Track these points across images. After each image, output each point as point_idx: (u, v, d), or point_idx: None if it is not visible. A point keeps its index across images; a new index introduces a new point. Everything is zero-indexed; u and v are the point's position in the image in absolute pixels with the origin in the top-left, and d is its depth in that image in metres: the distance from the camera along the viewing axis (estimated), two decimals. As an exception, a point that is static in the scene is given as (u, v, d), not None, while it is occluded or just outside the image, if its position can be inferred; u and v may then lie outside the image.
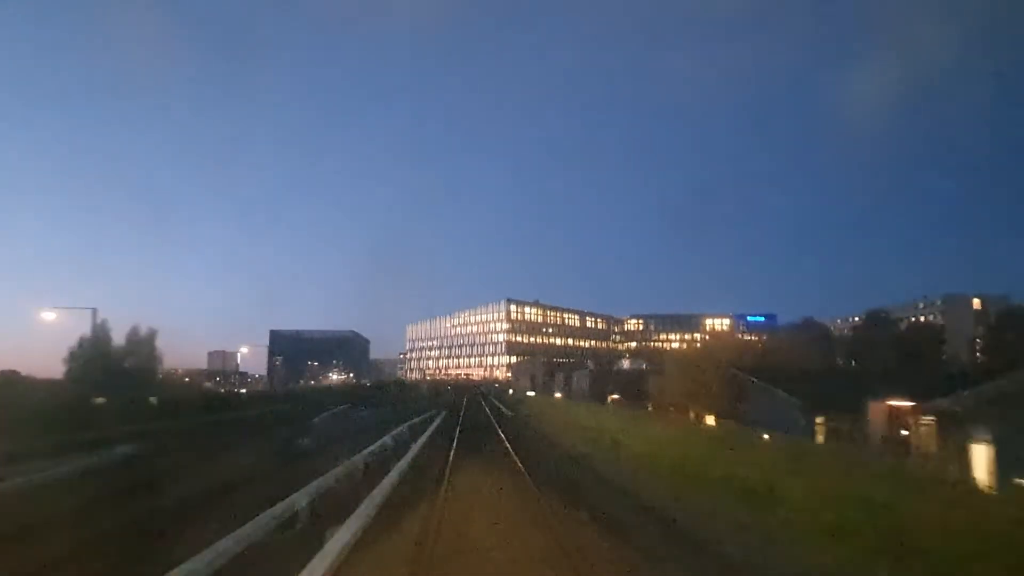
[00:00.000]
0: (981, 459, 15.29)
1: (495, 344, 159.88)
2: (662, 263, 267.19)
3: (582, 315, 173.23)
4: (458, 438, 25.51)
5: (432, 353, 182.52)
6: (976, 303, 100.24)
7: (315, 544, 7.32)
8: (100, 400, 25.37)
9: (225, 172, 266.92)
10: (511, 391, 78.99)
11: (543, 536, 9.34)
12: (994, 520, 7.91)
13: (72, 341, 34.48)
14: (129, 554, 7.83)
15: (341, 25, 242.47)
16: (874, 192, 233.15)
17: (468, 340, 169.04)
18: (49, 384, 30.95)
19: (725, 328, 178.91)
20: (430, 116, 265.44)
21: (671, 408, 32.97)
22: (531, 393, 75.91)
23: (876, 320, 61.69)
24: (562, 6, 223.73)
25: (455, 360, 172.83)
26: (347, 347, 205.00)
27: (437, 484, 14.09)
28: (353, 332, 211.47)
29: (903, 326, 68.96)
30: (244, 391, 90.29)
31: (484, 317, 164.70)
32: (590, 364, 73.57)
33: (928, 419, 18.30)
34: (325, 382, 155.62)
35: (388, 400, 58.38)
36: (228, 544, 6.42)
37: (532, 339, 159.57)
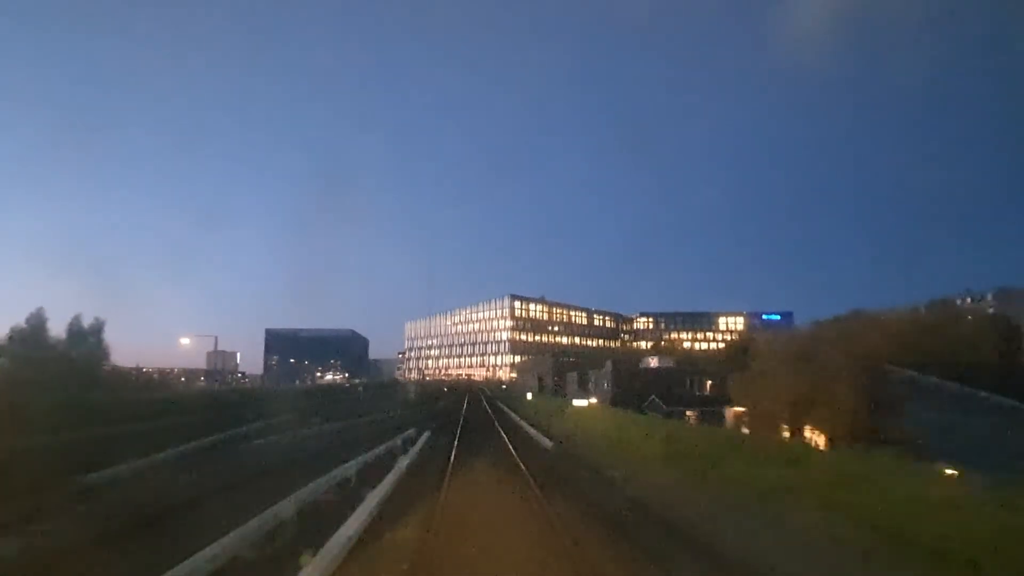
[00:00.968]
0: None
1: (498, 343, 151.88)
2: (670, 259, 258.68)
3: (589, 313, 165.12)
4: None
5: (432, 352, 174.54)
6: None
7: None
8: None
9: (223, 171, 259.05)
10: (528, 395, 66.30)
11: None
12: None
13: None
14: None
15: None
16: (890, 189, 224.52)
17: (469, 339, 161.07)
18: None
19: (739, 327, 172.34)
20: (428, 105, 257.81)
21: (779, 425, 23.30)
22: (573, 402, 51.03)
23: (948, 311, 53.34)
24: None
25: (455, 360, 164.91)
26: (345, 346, 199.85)
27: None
28: (351, 331, 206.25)
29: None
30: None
31: (486, 314, 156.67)
32: (609, 363, 65.08)
33: None
34: (321, 382, 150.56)
35: (355, 408, 41.21)
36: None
37: (537, 337, 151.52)
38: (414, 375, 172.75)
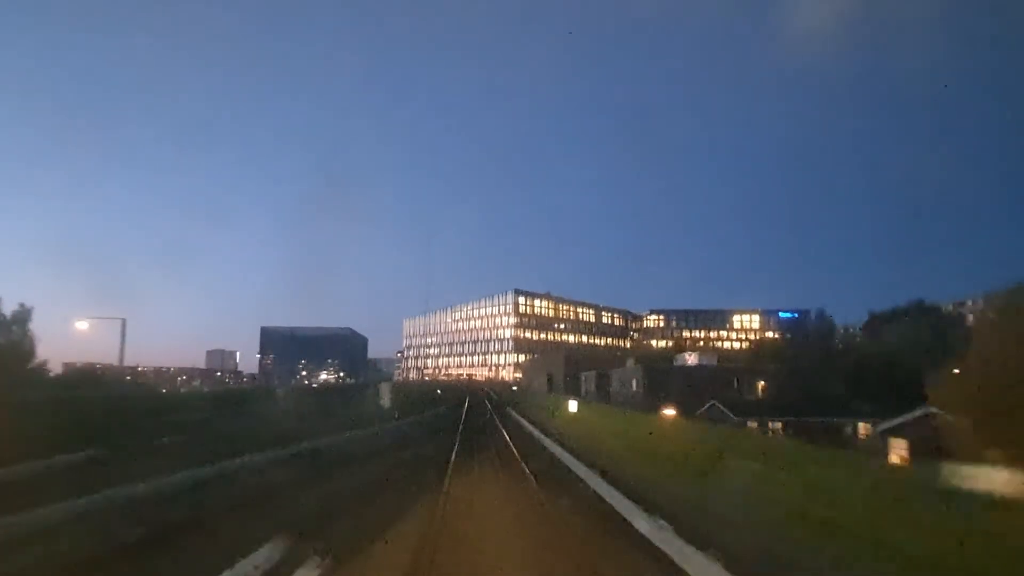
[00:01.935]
0: None
1: (501, 341, 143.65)
2: (677, 256, 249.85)
3: (597, 309, 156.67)
4: None
5: (431, 351, 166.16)
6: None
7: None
8: None
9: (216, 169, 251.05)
10: (572, 405, 39.44)
11: None
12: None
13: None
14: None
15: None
16: (906, 186, 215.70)
17: (471, 336, 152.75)
18: None
19: (755, 325, 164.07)
20: (429, 100, 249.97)
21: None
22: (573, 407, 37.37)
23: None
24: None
25: (456, 359, 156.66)
26: (343, 345, 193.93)
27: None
28: (350, 329, 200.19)
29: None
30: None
31: (489, 311, 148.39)
32: (631, 361, 56.87)
33: None
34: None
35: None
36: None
37: (542, 335, 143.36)
38: (413, 375, 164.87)
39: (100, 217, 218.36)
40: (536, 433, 27.86)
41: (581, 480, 14.42)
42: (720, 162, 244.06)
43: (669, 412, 31.34)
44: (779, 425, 27.10)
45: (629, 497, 11.13)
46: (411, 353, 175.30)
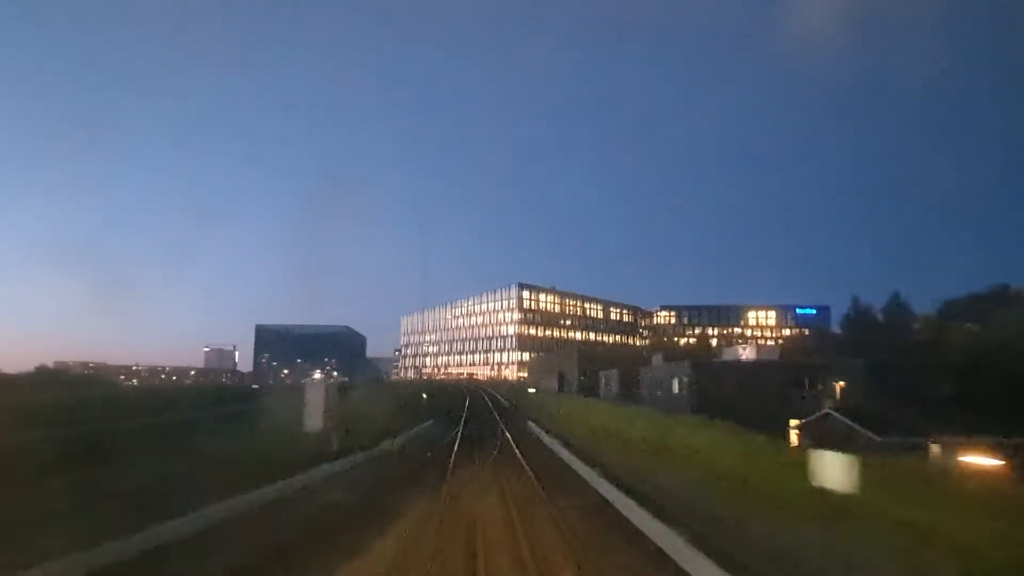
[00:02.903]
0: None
1: (504, 338, 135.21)
2: (686, 250, 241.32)
3: (606, 305, 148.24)
4: None
5: (430, 349, 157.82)
6: None
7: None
8: None
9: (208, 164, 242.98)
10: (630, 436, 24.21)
11: None
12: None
13: None
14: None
15: None
16: (926, 180, 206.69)
17: (472, 333, 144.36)
18: None
19: (771, 322, 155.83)
20: (430, 97, 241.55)
21: None
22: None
23: None
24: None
25: (456, 357, 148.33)
26: (340, 344, 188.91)
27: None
28: (347, 328, 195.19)
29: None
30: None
31: (491, 306, 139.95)
32: (658, 357, 48.56)
33: None
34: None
35: None
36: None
37: (547, 332, 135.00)
38: (411, 375, 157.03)
39: (99, 217, 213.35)
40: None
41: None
42: (729, 155, 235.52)
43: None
44: (1000, 463, 15.99)
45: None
46: (409, 352, 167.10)
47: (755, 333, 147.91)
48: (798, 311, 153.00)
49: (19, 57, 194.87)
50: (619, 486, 13.50)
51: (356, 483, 15.79)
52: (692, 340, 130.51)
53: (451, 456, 21.06)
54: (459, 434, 28.15)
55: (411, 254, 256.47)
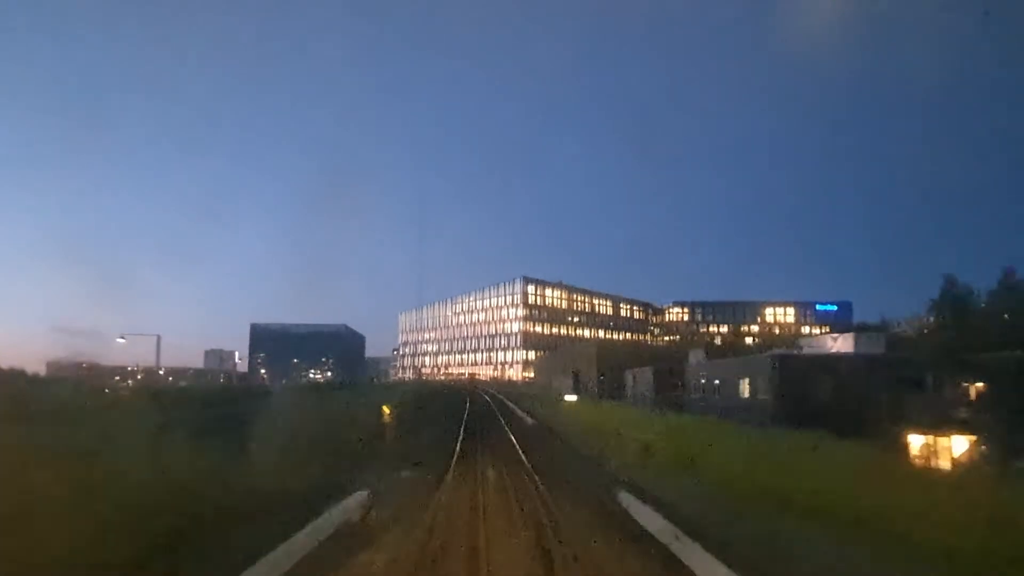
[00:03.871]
0: None
1: (508, 335, 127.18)
2: (696, 244, 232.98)
3: (616, 301, 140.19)
4: None
5: (430, 348, 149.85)
6: None
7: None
8: None
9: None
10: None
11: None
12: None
13: None
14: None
15: None
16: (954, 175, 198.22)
17: (473, 331, 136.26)
18: None
19: (789, 319, 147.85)
20: (432, 95, 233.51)
21: None
22: None
23: None
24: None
25: (457, 356, 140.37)
26: (338, 343, 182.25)
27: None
28: (345, 327, 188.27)
29: None
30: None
31: (494, 302, 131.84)
32: (699, 354, 40.53)
33: None
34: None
35: None
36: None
37: (554, 329, 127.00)
38: (409, 374, 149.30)
39: (95, 216, 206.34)
40: None
41: None
42: (738, 148, 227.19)
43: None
44: None
45: None
46: (407, 351, 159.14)
47: (773, 331, 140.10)
48: (818, 307, 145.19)
49: (19, 57, 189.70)
50: None
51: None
52: (718, 336, 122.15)
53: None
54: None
55: (412, 251, 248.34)
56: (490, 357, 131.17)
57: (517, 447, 20.15)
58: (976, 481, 11.12)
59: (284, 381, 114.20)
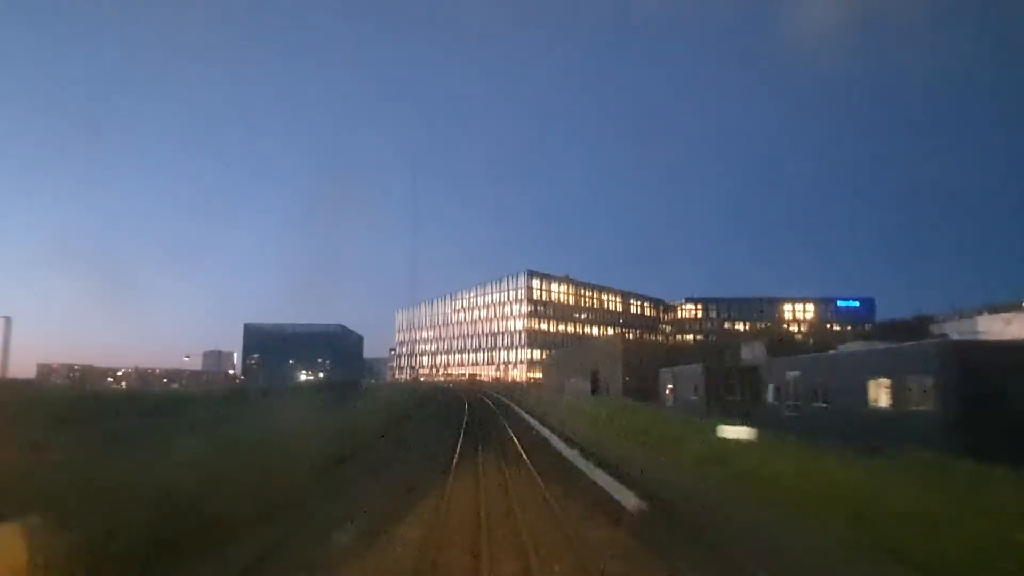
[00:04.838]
0: None
1: (511, 333, 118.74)
2: (709, 237, 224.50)
3: (625, 297, 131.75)
4: None
5: (428, 347, 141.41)
6: None
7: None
8: None
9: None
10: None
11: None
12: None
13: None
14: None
15: None
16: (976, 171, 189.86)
17: (475, 329, 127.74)
18: None
19: (809, 316, 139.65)
20: (433, 94, 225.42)
21: None
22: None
23: None
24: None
25: (457, 355, 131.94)
26: (335, 343, 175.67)
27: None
28: (341, 326, 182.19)
29: None
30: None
31: (497, 297, 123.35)
32: (758, 348, 32.22)
33: None
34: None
35: None
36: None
37: (561, 327, 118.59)
38: (407, 375, 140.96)
39: (95, 218, 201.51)
40: None
41: None
42: (745, 142, 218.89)
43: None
44: None
45: None
46: (404, 350, 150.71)
47: (791, 328, 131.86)
48: (839, 303, 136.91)
49: (22, 58, 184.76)
50: None
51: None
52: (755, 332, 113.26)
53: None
54: None
55: (413, 249, 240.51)
56: (492, 356, 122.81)
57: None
58: None
59: (264, 381, 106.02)
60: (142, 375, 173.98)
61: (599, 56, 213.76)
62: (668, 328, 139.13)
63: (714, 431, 16.78)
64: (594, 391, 51.81)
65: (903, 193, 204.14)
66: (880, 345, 23.44)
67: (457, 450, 18.71)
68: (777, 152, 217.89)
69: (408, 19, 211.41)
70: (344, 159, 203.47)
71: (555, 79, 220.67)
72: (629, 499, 11.31)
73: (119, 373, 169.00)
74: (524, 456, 17.72)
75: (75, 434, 14.22)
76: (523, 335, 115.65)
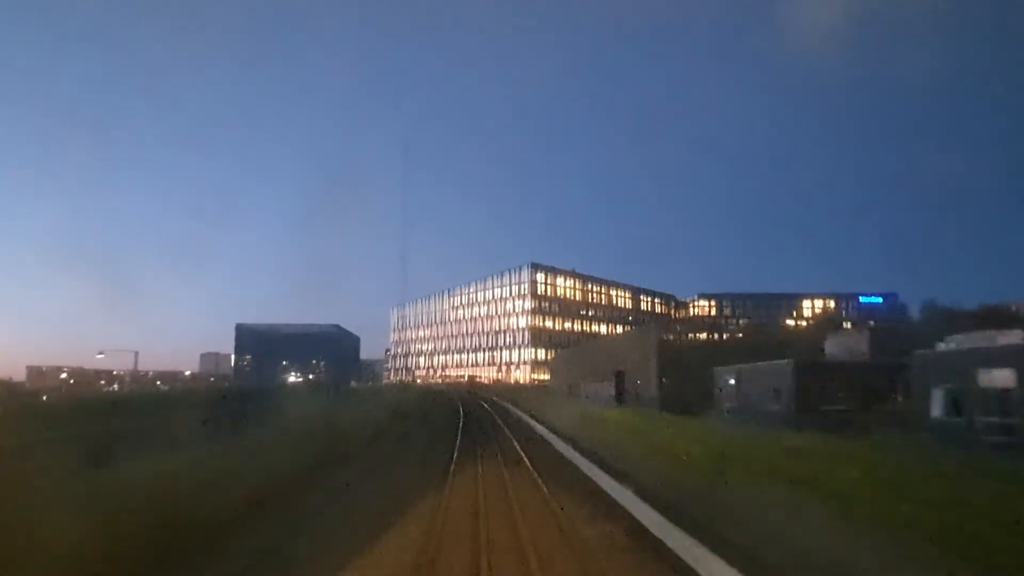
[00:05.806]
0: None
1: (513, 331, 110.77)
2: (716, 232, 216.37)
3: (635, 292, 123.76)
4: None
5: (424, 347, 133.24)
6: None
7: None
8: None
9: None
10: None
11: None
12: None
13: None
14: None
15: None
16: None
17: (475, 327, 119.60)
18: None
19: (828, 312, 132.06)
20: (434, 94, 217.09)
21: None
22: None
23: None
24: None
25: (455, 356, 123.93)
26: (330, 344, 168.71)
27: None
28: (337, 327, 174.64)
29: None
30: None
31: (498, 293, 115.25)
32: (854, 338, 24.27)
33: None
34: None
35: None
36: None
37: (567, 324, 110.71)
38: (403, 376, 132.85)
39: (93, 218, 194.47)
40: None
41: None
42: (750, 138, 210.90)
43: None
44: None
45: None
46: (400, 351, 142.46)
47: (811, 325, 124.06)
48: (861, 299, 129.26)
49: (24, 60, 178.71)
50: None
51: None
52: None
53: None
54: None
55: (413, 249, 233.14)
56: (493, 357, 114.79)
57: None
58: None
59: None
60: (136, 378, 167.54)
61: (603, 46, 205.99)
62: (679, 325, 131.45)
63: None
64: (618, 397, 43.68)
65: (913, 189, 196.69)
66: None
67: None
68: (783, 147, 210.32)
69: (409, 17, 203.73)
70: (342, 157, 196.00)
71: (558, 71, 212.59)
72: None
73: (114, 373, 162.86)
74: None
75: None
76: (526, 333, 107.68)
